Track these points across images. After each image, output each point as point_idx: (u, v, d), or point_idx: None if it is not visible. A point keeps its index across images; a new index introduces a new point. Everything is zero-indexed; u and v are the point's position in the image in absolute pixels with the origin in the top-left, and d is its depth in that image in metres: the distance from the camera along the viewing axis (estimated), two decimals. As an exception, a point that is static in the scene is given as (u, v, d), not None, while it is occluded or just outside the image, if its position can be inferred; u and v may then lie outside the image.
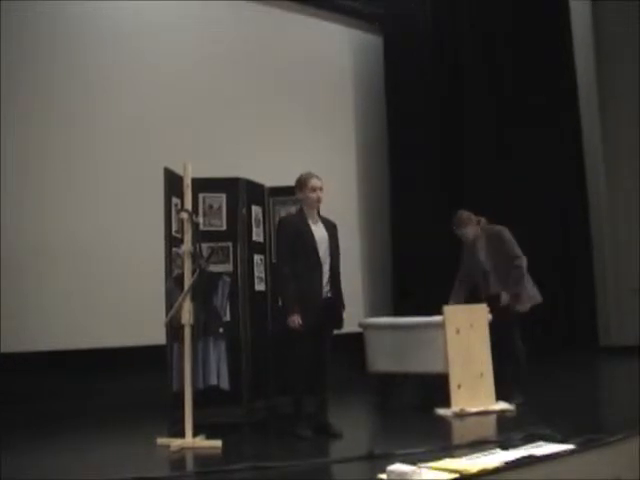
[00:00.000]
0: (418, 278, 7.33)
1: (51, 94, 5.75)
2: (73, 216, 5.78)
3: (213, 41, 6.67)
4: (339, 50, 7.75)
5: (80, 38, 5.92)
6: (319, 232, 4.23)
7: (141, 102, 6.16)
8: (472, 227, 5.06)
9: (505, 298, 4.92)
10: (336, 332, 4.30)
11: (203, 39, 6.61)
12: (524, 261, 4.96)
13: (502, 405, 4.74)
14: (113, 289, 5.82)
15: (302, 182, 4.24)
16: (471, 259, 5.09)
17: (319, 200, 4.23)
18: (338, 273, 4.28)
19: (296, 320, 4.05)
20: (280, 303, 4.38)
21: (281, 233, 4.29)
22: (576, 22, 8.26)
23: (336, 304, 4.22)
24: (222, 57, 6.72)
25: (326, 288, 4.19)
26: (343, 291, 4.32)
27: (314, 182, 4.22)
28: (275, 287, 4.84)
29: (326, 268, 4.19)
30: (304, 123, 7.23)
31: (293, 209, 4.55)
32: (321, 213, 4.63)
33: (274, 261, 4.89)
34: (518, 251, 4.99)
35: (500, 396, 4.78)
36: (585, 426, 3.77)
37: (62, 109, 5.80)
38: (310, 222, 4.23)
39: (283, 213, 5.00)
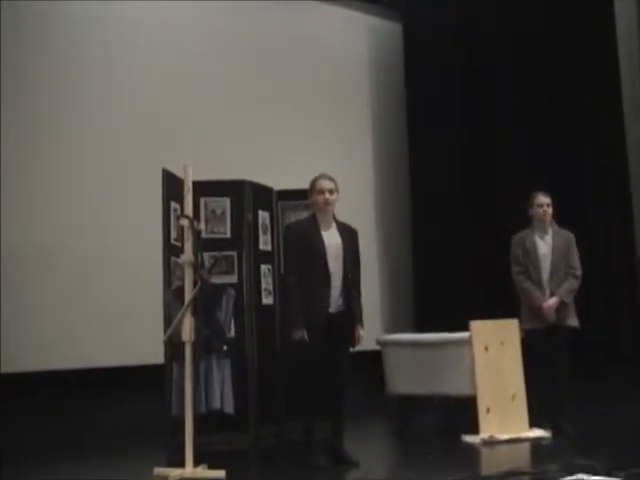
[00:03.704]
0: (442, 290, 7.27)
1: (49, 95, 5.84)
2: (65, 221, 5.81)
3: (219, 28, 6.70)
4: (354, 38, 7.73)
5: (79, 37, 6.03)
6: (331, 239, 4.23)
7: (141, 99, 6.19)
8: (550, 210, 5.03)
9: (555, 302, 4.90)
10: (352, 350, 4.30)
11: (208, 27, 6.65)
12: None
13: (537, 432, 4.71)
14: (106, 303, 5.81)
15: (311, 185, 4.29)
16: (532, 253, 5.00)
17: (327, 203, 4.22)
18: (354, 285, 4.28)
19: (300, 334, 4.05)
20: (284, 316, 4.41)
21: (288, 240, 4.34)
22: (621, 21, 8.14)
23: (349, 319, 4.21)
24: (229, 47, 6.75)
25: (339, 301, 4.19)
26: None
27: (321, 184, 4.24)
28: (281, 299, 4.87)
29: (338, 279, 4.19)
30: (316, 119, 7.22)
31: (305, 214, 4.56)
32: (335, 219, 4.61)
33: (283, 271, 4.89)
34: (579, 263, 5.05)
35: (543, 422, 4.77)
36: (632, 457, 3.72)
37: (60, 110, 5.87)
38: (321, 228, 4.24)
39: (293, 219, 5.00)
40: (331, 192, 4.23)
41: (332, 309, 4.17)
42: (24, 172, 5.66)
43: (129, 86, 6.17)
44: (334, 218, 4.33)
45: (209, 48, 6.60)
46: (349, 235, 4.33)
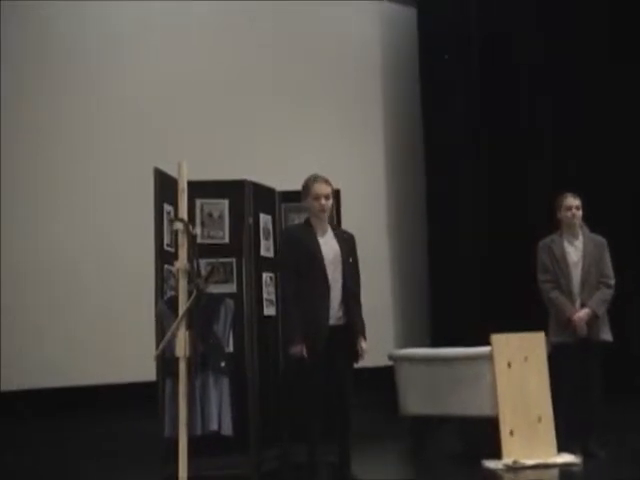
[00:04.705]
0: (461, 301, 7.26)
1: (44, 97, 6.03)
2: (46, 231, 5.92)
3: (220, 20, 6.82)
4: (364, 25, 7.71)
5: (77, 35, 6.25)
6: (329, 246, 4.27)
7: (137, 95, 6.33)
8: (580, 213, 4.97)
9: (586, 313, 4.82)
10: (360, 366, 4.33)
11: (208, 18, 6.76)
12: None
13: (566, 457, 4.65)
14: (93, 315, 5.85)
15: (306, 187, 4.30)
16: (561, 260, 4.95)
17: (323, 210, 4.27)
18: (354, 294, 4.31)
19: (298, 350, 4.08)
20: (283, 330, 4.46)
21: (284, 247, 4.39)
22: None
23: (350, 332, 4.23)
24: (232, 35, 6.83)
25: (338, 313, 4.22)
26: (367, 316, 4.33)
27: (318, 188, 4.25)
28: (280, 312, 4.85)
29: (337, 288, 4.22)
30: (323, 114, 7.22)
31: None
32: (343, 221, 4.61)
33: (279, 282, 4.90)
34: (612, 271, 4.99)
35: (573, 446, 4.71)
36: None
37: (60, 110, 6.08)
38: (318, 234, 4.28)
39: (297, 222, 4.96)
40: (327, 197, 4.27)
41: (332, 321, 4.19)
42: (21, 182, 5.84)
43: (124, 84, 6.29)
44: (329, 223, 4.37)
45: (210, 39, 6.69)
46: (347, 241, 4.36)
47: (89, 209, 5.99)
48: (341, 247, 4.29)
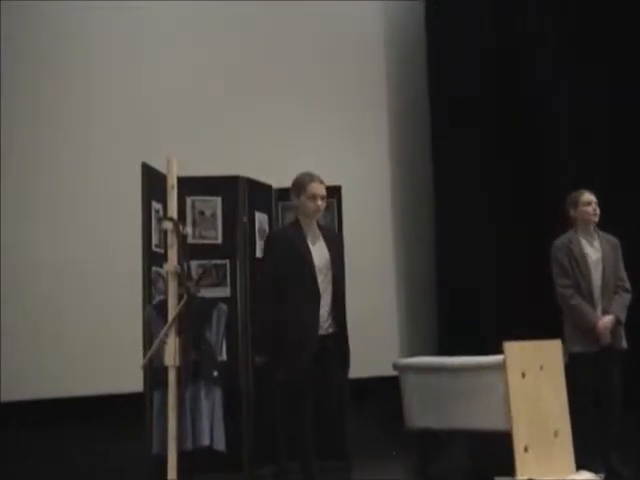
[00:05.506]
0: (471, 306, 7.21)
1: (42, 96, 6.13)
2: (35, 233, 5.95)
3: (220, 13, 6.87)
4: (367, 18, 7.69)
5: (78, 35, 6.36)
6: (319, 251, 4.26)
7: (137, 92, 6.43)
8: (599, 210, 4.89)
9: (610, 320, 4.73)
10: (363, 376, 4.56)
11: (207, 12, 6.82)
12: None
13: (585, 475, 4.55)
14: (78, 322, 5.85)
15: (299, 185, 4.26)
16: (582, 263, 4.84)
17: (318, 210, 4.26)
18: (343, 302, 4.33)
19: (262, 361, 4.20)
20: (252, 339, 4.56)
21: (270, 252, 4.32)
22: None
23: (341, 341, 4.26)
24: (231, 34, 6.86)
25: (327, 321, 4.22)
26: (367, 321, 4.62)
27: (314, 188, 4.22)
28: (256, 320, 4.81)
29: (327, 296, 4.22)
30: (323, 109, 7.19)
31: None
32: (344, 221, 4.53)
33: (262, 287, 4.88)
34: (625, 274, 4.93)
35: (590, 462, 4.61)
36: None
37: (52, 114, 6.16)
38: (308, 238, 4.26)
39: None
40: (323, 198, 4.27)
41: (321, 331, 4.20)
42: (21, 183, 5.94)
43: (124, 84, 6.43)
44: (318, 223, 4.35)
45: (209, 37, 6.76)
46: (335, 243, 4.37)
47: (89, 209, 6.05)
48: (330, 251, 4.28)
